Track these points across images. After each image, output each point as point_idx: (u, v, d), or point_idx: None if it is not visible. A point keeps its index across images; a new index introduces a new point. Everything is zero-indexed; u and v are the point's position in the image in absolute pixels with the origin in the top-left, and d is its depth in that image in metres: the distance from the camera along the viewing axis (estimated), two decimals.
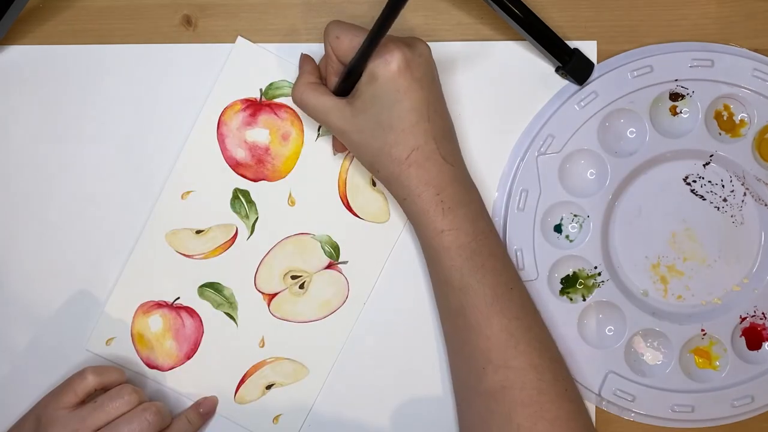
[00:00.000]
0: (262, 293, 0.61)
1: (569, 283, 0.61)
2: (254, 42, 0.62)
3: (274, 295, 0.61)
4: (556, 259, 0.61)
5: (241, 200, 0.61)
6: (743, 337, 0.61)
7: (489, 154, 0.62)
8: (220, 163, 0.61)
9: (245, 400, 0.61)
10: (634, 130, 0.61)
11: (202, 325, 0.61)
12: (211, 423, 0.61)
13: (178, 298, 0.61)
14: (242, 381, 0.61)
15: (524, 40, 0.61)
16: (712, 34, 0.62)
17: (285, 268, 0.61)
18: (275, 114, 0.61)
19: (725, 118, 0.61)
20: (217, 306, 0.61)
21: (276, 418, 0.61)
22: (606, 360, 0.61)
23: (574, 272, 0.61)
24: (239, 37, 0.62)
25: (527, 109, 0.62)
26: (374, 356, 0.62)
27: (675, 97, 0.61)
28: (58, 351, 0.61)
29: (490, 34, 0.63)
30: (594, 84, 0.61)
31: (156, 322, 0.60)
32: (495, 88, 0.62)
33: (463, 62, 0.62)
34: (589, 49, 0.61)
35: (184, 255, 0.61)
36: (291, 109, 0.62)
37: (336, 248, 0.62)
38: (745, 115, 0.61)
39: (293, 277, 0.61)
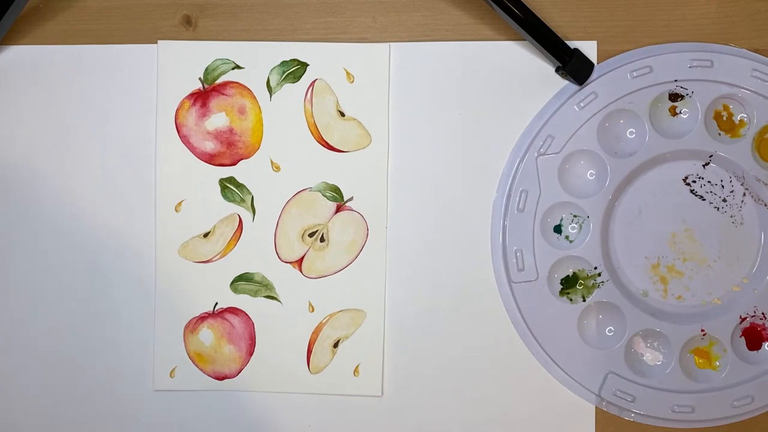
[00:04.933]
0: (290, 262, 0.58)
1: (569, 284, 0.58)
2: (255, 41, 0.58)
3: (301, 258, 0.58)
4: (556, 259, 0.58)
5: (230, 188, 0.58)
6: (743, 337, 0.58)
7: (489, 154, 0.59)
8: (194, 163, 0.58)
9: (320, 367, 0.58)
10: (634, 130, 0.58)
11: (249, 318, 0.58)
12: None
13: (217, 303, 0.58)
14: (309, 351, 0.58)
15: (524, 40, 0.59)
16: (712, 34, 0.59)
17: (299, 230, 0.58)
18: (223, 94, 0.58)
19: (725, 118, 0.58)
20: (255, 293, 0.58)
21: (356, 370, 0.58)
22: (606, 360, 0.58)
23: (574, 273, 0.58)
24: (159, 41, 0.58)
25: (527, 109, 0.59)
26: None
27: (674, 97, 0.57)
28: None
29: (490, 34, 0.59)
30: (593, 84, 0.58)
31: (207, 335, 0.58)
32: (495, 88, 0.59)
33: (463, 62, 0.59)
34: (589, 49, 0.59)
35: (202, 262, 0.58)
36: (235, 83, 0.59)
37: (336, 190, 0.58)
38: (745, 116, 0.58)
39: (310, 235, 0.58)
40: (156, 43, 0.59)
